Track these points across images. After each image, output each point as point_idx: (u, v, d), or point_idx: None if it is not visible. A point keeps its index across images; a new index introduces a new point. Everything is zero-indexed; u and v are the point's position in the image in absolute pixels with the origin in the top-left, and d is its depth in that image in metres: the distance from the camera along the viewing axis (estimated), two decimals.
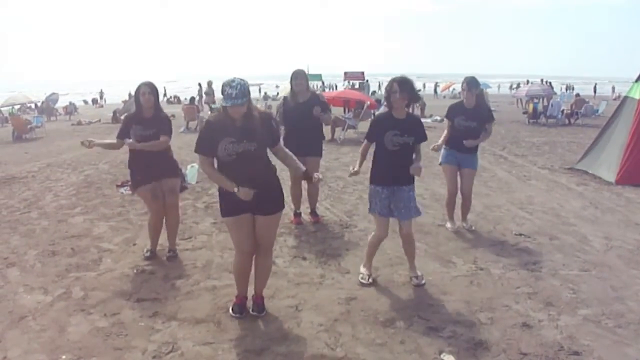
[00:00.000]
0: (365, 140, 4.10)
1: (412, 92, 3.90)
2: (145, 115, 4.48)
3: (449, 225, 5.58)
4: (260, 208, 3.38)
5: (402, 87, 3.85)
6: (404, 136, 3.89)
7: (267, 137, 3.37)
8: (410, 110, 4.43)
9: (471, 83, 5.25)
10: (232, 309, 3.63)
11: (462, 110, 5.34)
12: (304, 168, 3.68)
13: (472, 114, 5.26)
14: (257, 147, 3.28)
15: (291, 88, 5.57)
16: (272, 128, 3.43)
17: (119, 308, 3.77)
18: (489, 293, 3.98)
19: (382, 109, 4.92)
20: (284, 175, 7.72)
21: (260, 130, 3.30)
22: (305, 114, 5.40)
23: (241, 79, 3.21)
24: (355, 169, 4.00)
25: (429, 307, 3.76)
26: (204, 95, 24.75)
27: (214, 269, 4.49)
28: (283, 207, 3.56)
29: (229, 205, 3.40)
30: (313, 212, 5.92)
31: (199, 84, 25.92)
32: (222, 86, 3.20)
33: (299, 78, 5.51)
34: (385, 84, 4.11)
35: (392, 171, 3.93)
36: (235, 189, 3.23)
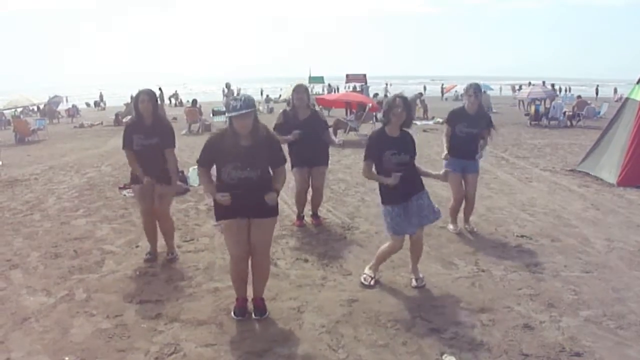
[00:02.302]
0: (365, 162, 4.05)
1: (410, 112, 4.01)
2: (145, 123, 4.53)
3: (451, 227, 5.59)
4: (255, 211, 3.44)
5: (405, 104, 3.93)
6: (400, 154, 3.93)
7: (272, 160, 3.47)
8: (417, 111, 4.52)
9: (477, 89, 5.34)
10: (234, 312, 3.65)
11: (464, 116, 5.36)
12: (279, 187, 3.60)
13: (474, 120, 5.31)
14: (260, 175, 3.40)
15: (292, 102, 5.66)
16: (278, 151, 3.53)
17: (121, 310, 3.78)
18: (491, 294, 3.99)
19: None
20: (287, 177, 7.77)
21: (266, 152, 3.41)
22: (308, 132, 5.43)
23: (245, 94, 3.42)
24: (389, 182, 3.88)
25: (430, 308, 3.77)
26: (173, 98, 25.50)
27: (216, 271, 4.50)
28: (277, 213, 3.61)
29: (223, 209, 3.47)
30: (315, 215, 5.93)
31: (160, 88, 25.31)
32: (227, 101, 3.34)
33: (300, 92, 5.55)
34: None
35: (399, 188, 3.90)
36: (217, 196, 3.36)
